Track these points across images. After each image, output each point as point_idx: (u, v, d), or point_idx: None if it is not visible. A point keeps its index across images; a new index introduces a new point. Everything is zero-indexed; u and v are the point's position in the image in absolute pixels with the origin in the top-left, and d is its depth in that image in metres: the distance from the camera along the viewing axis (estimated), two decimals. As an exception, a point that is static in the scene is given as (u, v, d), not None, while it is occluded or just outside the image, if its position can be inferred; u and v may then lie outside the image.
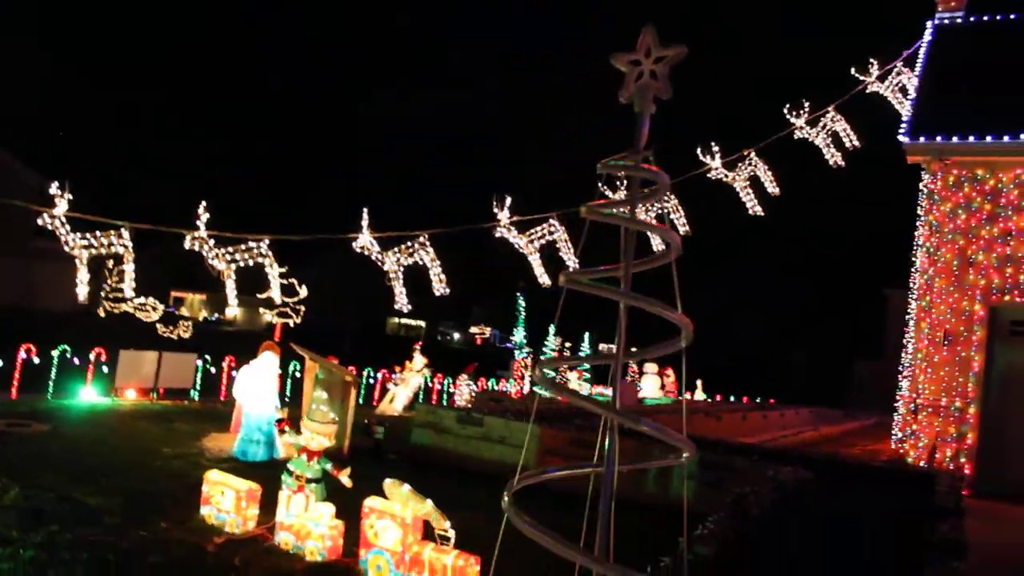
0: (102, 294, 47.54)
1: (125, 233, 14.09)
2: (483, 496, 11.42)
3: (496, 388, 30.59)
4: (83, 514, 9.23)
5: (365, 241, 15.59)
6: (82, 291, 14.01)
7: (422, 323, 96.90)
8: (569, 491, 7.74)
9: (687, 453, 4.34)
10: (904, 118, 19.91)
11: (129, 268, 14.43)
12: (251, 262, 15.15)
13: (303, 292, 52.63)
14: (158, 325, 45.54)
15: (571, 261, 17.67)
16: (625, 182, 15.72)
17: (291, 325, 59.71)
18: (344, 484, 9.12)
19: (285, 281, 48.54)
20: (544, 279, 17.24)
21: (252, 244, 15.07)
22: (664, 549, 10.56)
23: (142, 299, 45.81)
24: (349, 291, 58.62)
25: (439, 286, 16.29)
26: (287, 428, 9.65)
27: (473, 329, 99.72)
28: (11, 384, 16.69)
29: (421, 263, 16.20)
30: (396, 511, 8.38)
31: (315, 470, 9.26)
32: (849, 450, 20.03)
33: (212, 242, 14.73)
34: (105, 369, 18.42)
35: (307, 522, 8.83)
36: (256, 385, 13.25)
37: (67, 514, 9.13)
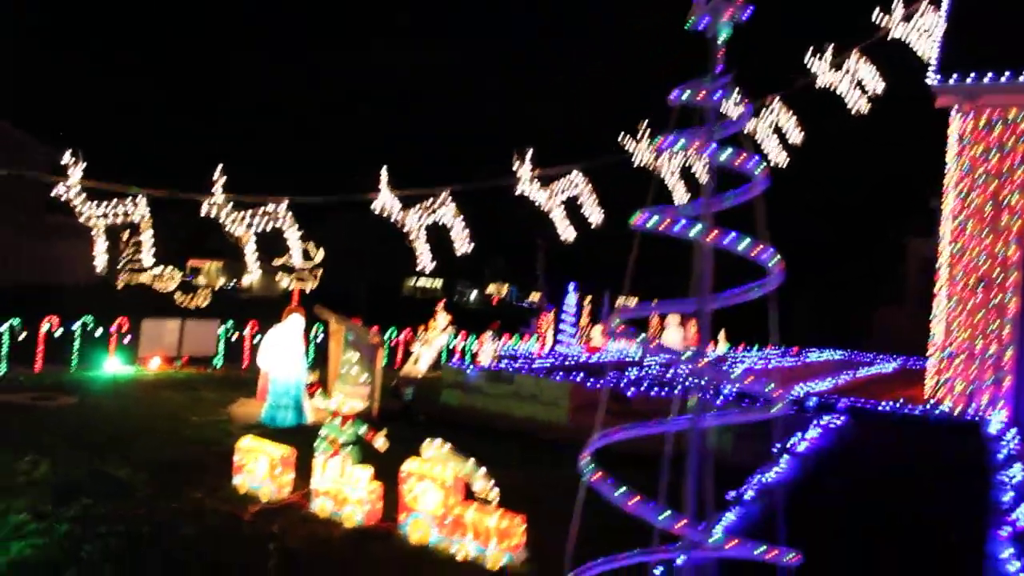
0: (119, 266, 47.57)
1: (141, 201, 13.80)
2: (518, 454, 11.25)
3: (518, 346, 30.35)
4: (115, 487, 9.06)
5: (385, 200, 15.24)
6: (100, 262, 13.78)
7: (438, 283, 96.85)
8: (628, 451, 7.51)
9: (778, 407, 4.03)
10: (931, 60, 19.30)
11: (146, 237, 14.18)
12: (270, 226, 14.85)
13: (319, 256, 52.60)
14: (176, 294, 45.59)
15: (595, 216, 17.29)
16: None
17: (307, 290, 59.86)
18: (379, 447, 8.89)
19: (301, 245, 48.11)
20: (568, 235, 16.87)
21: (270, 207, 14.76)
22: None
23: (159, 269, 45.90)
24: (364, 253, 58.50)
25: (462, 244, 15.95)
26: (318, 392, 9.42)
27: (489, 288, 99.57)
28: (35, 357, 16.54)
29: (442, 222, 15.86)
30: (436, 473, 8.15)
31: (349, 434, 9.03)
32: (882, 397, 19.68)
33: (229, 207, 14.42)
34: (128, 339, 18.27)
35: (344, 487, 8.61)
36: (282, 350, 13.02)
37: (99, 487, 8.96)
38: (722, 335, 40.44)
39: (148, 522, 8.05)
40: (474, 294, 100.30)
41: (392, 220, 15.36)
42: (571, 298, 33.60)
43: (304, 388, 13.05)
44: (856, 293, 55.74)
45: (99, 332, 17.81)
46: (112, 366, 17.53)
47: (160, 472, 9.74)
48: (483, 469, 8.06)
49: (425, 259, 15.63)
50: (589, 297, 35.75)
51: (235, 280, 70.77)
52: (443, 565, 7.75)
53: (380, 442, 8.88)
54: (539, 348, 30.21)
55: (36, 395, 13.73)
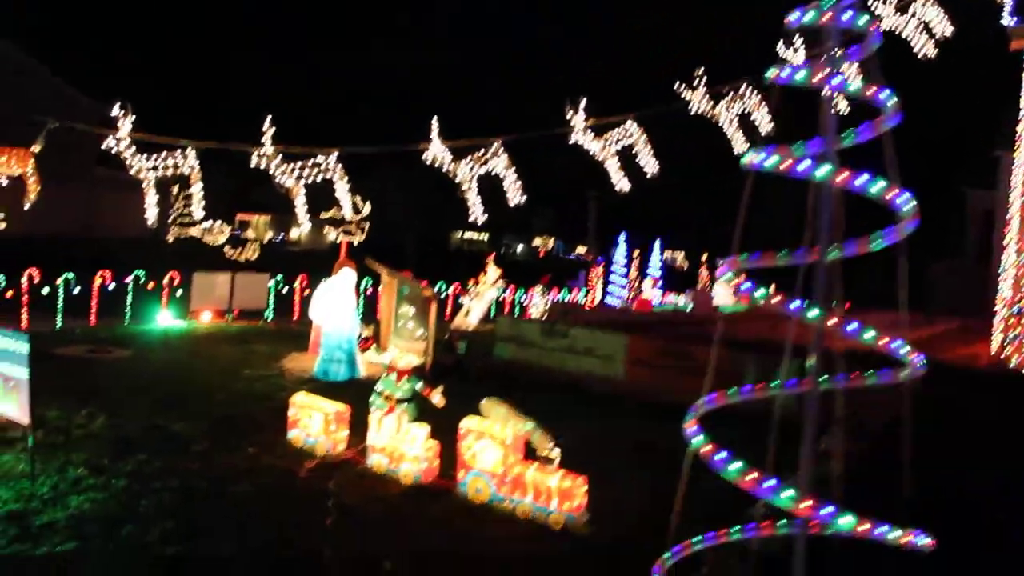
0: (169, 219, 48.06)
1: (191, 153, 13.65)
2: (573, 409, 10.96)
3: (568, 300, 30.06)
4: (170, 441, 8.99)
5: (436, 151, 14.92)
6: (151, 215, 13.71)
7: (485, 237, 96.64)
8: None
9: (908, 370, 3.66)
10: (1004, 1, 18.35)
11: (196, 189, 14.05)
12: (319, 178, 14.63)
13: (366, 209, 52.65)
14: (225, 247, 46.00)
15: (650, 166, 16.80)
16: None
17: (355, 243, 60.19)
18: (436, 404, 8.69)
19: (350, 198, 47.93)
20: (623, 185, 16.43)
21: (320, 159, 14.52)
22: (779, 465, 9.98)
23: (209, 222, 46.35)
24: (411, 206, 58.38)
25: (515, 195, 15.61)
26: (373, 346, 9.23)
27: (536, 241, 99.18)
28: (89, 311, 16.60)
29: (494, 172, 15.51)
30: (496, 431, 7.93)
31: (405, 390, 8.84)
32: (945, 355, 19.08)
33: (279, 159, 14.22)
34: (179, 293, 18.28)
35: (401, 444, 8.44)
36: (334, 304, 12.85)
37: (155, 442, 8.90)
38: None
39: (204, 477, 7.97)
40: (520, 247, 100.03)
41: (444, 171, 15.04)
42: (621, 250, 33.19)
43: (356, 342, 12.89)
44: (911, 247, 54.37)
45: (151, 286, 17.84)
46: (164, 319, 17.57)
47: (215, 426, 9.66)
48: (544, 428, 7.82)
49: (477, 210, 15.31)
50: (637, 251, 35.27)
51: (283, 234, 71.26)
52: (503, 523, 7.56)
53: (437, 398, 8.67)
54: (589, 302, 29.90)
55: (91, 348, 13.78)
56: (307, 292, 20.63)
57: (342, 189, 14.88)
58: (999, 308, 19.22)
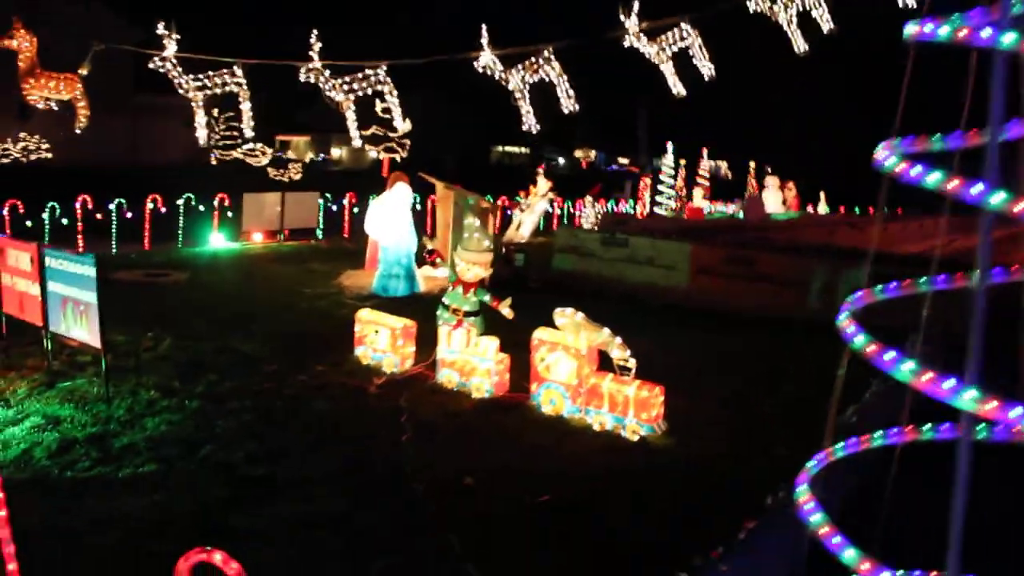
0: (212, 142, 47.89)
1: (238, 71, 13.36)
2: (638, 321, 10.74)
3: (615, 210, 29.62)
4: (239, 361, 8.94)
5: (487, 59, 14.45)
6: (202, 135, 13.52)
7: (525, 150, 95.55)
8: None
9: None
10: None
11: (246, 107, 13.79)
12: (369, 90, 14.28)
13: (407, 126, 51.91)
14: (268, 169, 45.83)
15: (706, 69, 16.17)
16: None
17: (398, 160, 59.57)
18: (505, 315, 8.50)
19: (391, 115, 47.32)
20: (679, 89, 15.85)
21: (368, 72, 14.15)
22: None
23: (251, 144, 46.09)
24: (452, 120, 57.67)
25: (568, 103, 15.14)
26: (439, 260, 9.03)
27: (578, 153, 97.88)
28: (142, 235, 16.60)
29: (547, 79, 15.03)
30: (569, 342, 7.74)
31: (472, 303, 8.66)
32: (1016, 256, 18.44)
33: (327, 72, 13.87)
34: (230, 214, 18.20)
35: (471, 358, 8.29)
36: (391, 219, 12.63)
37: (224, 363, 8.86)
38: (822, 197, 38.86)
39: (278, 396, 7.91)
40: (562, 160, 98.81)
41: (496, 79, 14.59)
42: (668, 160, 32.50)
43: (415, 257, 12.74)
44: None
45: (200, 209, 17.78)
46: (217, 241, 17.53)
47: (281, 346, 9.60)
48: (619, 338, 7.61)
49: (530, 120, 14.89)
50: (684, 160, 34.52)
51: (323, 154, 71.04)
52: (580, 436, 7.42)
53: (506, 310, 8.48)
54: (639, 212, 29.43)
55: (148, 272, 13.77)
56: (356, 210, 20.51)
57: (393, 102, 14.51)
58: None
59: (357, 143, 15.42)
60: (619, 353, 7.55)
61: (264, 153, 46.31)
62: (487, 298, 8.60)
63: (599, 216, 23.40)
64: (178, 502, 5.75)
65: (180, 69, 13.00)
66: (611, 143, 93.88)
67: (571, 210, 26.67)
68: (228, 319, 10.77)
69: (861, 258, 12.26)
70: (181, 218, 17.19)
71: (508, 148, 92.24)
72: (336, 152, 71.80)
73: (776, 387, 9.19)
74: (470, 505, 6.01)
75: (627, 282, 13.61)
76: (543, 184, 22.26)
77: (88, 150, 33.22)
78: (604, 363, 7.90)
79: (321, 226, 19.89)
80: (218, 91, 13.45)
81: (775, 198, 34.39)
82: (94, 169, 31.87)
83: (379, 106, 49.12)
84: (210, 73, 13.26)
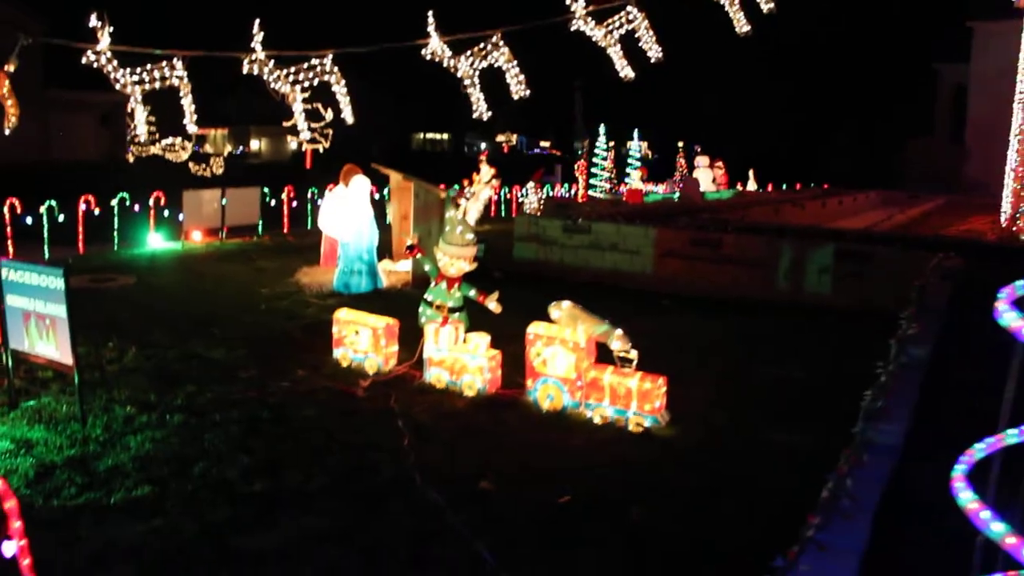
0: (128, 139, 46.20)
1: (178, 63, 12.71)
2: (609, 310, 10.60)
3: (552, 195, 29.49)
4: (213, 370, 8.48)
5: (435, 46, 14.06)
6: (142, 131, 12.89)
7: (445, 136, 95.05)
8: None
9: None
10: None
11: (187, 102, 13.14)
12: (316, 81, 13.76)
13: (328, 116, 50.94)
14: (189, 164, 44.47)
15: (653, 52, 16.00)
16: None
17: (320, 150, 58.45)
18: (492, 310, 8.24)
19: (310, 106, 46.52)
20: (628, 72, 15.67)
21: (315, 61, 13.63)
22: (831, 356, 9.70)
23: (169, 139, 44.64)
24: (375, 109, 56.82)
25: (518, 88, 14.85)
26: (420, 255, 8.72)
27: (499, 138, 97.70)
28: (76, 239, 15.77)
29: (496, 65, 14.70)
30: (567, 336, 7.54)
31: (457, 298, 8.39)
32: (950, 231, 18.92)
33: (272, 64, 13.31)
34: (166, 213, 17.45)
35: (461, 355, 8.02)
36: (351, 213, 12.19)
37: (197, 371, 8.39)
38: (751, 175, 39.49)
39: (263, 405, 7.52)
40: (483, 144, 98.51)
41: (444, 67, 14.20)
42: (601, 142, 32.52)
43: (375, 252, 12.34)
44: (885, 126, 53.96)
45: (135, 209, 16.98)
46: (155, 241, 16.80)
47: (254, 351, 9.16)
48: (620, 329, 7.44)
49: (481, 107, 14.55)
50: (612, 143, 34.58)
51: (242, 147, 69.34)
52: (582, 430, 7.26)
53: (493, 304, 8.21)
54: (580, 195, 29.36)
55: (92, 277, 13.06)
56: (294, 204, 19.93)
57: (340, 91, 14.02)
58: (1007, 180, 18.97)
59: (306, 136, 14.92)
60: (620, 345, 7.38)
61: (184, 148, 44.95)
62: (472, 293, 8.33)
63: (541, 201, 23.21)
64: (180, 527, 5.38)
65: (116, 63, 12.29)
66: (532, 127, 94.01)
67: (507, 196, 26.46)
68: (188, 324, 10.25)
69: (825, 237, 12.36)
70: (116, 218, 16.37)
71: (429, 135, 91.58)
72: (255, 144, 70.18)
73: (763, 369, 9.17)
74: (489, 510, 5.79)
75: (591, 269, 13.48)
76: (486, 171, 21.91)
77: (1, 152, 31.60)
78: (603, 356, 7.73)
79: (261, 222, 19.23)
80: (156, 85, 12.77)
81: (706, 177, 34.75)
82: (5, 169, 30.39)
83: (344, 89, 48.26)
84: (148, 66, 12.56)
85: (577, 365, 7.48)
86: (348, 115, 14.31)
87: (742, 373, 9.06)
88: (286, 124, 54.62)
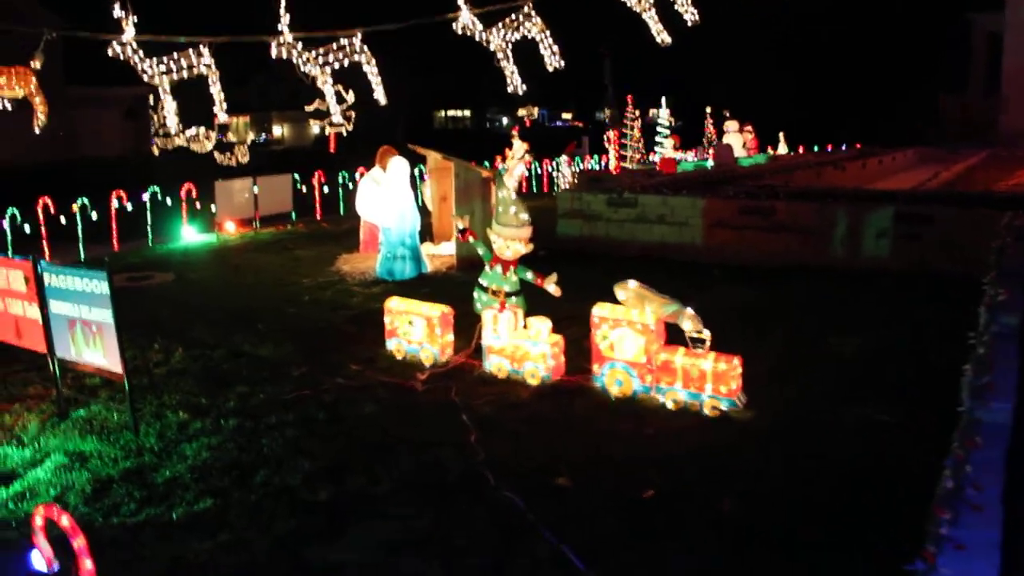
0: (152, 132, 46.15)
1: (204, 50, 12.37)
2: (660, 284, 10.23)
3: (582, 168, 28.94)
4: (263, 368, 8.16)
5: (465, 20, 13.61)
6: (172, 122, 12.55)
7: (467, 112, 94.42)
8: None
9: None
10: None
11: (216, 90, 12.82)
12: (346, 62, 13.38)
13: (351, 98, 50.61)
14: (215, 153, 44.32)
15: (689, 14, 15.43)
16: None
17: (344, 134, 58.30)
18: (552, 293, 7.86)
19: (333, 89, 45.93)
20: (664, 37, 15.11)
21: (344, 41, 13.24)
22: (884, 320, 9.30)
23: (193, 130, 44.53)
24: (397, 88, 56.37)
25: (552, 59, 14.36)
26: (472, 238, 8.35)
27: (521, 111, 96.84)
28: (110, 236, 15.54)
29: (529, 36, 14.22)
30: (635, 317, 7.14)
31: (513, 282, 8.01)
32: (1000, 186, 18.24)
33: (300, 46, 12.94)
34: (198, 205, 17.18)
35: (523, 342, 7.64)
36: (391, 197, 11.79)
37: (246, 371, 8.09)
38: (781, 138, 38.65)
39: (319, 404, 7.20)
40: (505, 119, 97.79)
41: (476, 40, 13.75)
42: (630, 111, 31.84)
43: (418, 236, 11.97)
44: (917, 81, 52.59)
45: (168, 203, 16.72)
46: (189, 235, 16.55)
47: (300, 345, 8.85)
48: (691, 308, 7.02)
49: (515, 81, 14.09)
50: (638, 112, 33.88)
51: (264, 133, 69.18)
52: (656, 416, 6.88)
53: (552, 287, 7.84)
54: (615, 167, 28.80)
55: (130, 276, 12.81)
56: (326, 189, 19.60)
57: (372, 71, 13.62)
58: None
59: (337, 119, 14.51)
60: (691, 325, 6.97)
61: (208, 138, 44.84)
62: (529, 276, 7.95)
63: (575, 175, 22.71)
64: (248, 541, 5.08)
65: (142, 53, 11.97)
66: (553, 99, 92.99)
67: (538, 171, 25.97)
68: (231, 320, 9.95)
69: (882, 200, 11.85)
70: (148, 213, 16.12)
71: (451, 112, 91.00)
72: (277, 130, 70.00)
73: (829, 342, 8.74)
74: (568, 506, 5.44)
75: (638, 242, 13.04)
76: (519, 146, 21.52)
77: (21, 148, 31.47)
78: (671, 336, 7.33)
79: (294, 210, 18.93)
80: (184, 75, 12.44)
81: (737, 142, 34.02)
82: (33, 168, 30.37)
83: (320, 79, 47.84)
84: (175, 55, 12.24)
85: (647, 348, 7.09)
86: (380, 95, 13.92)
87: (806, 345, 8.62)
88: (308, 108, 54.62)
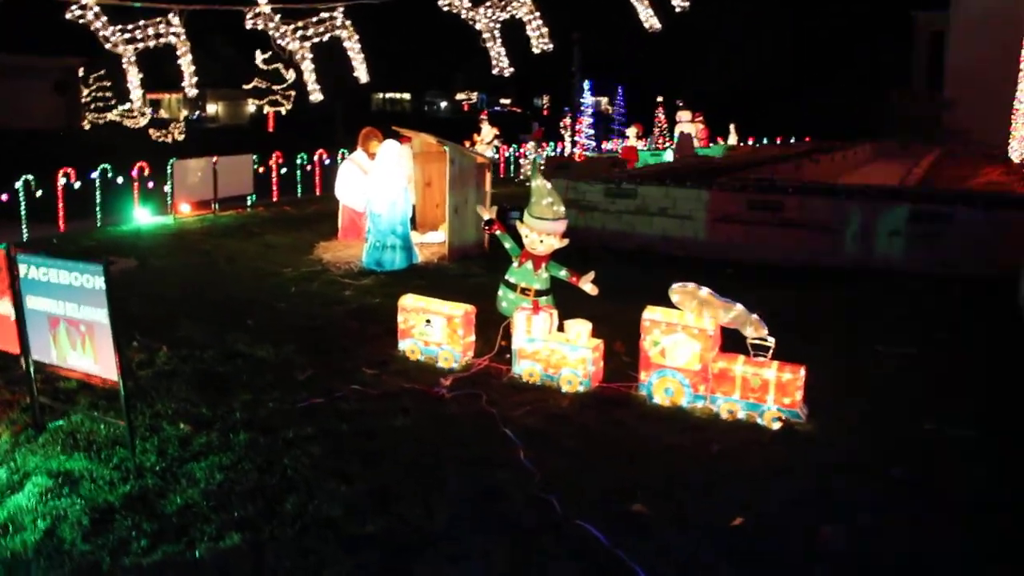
0: (87, 104, 43.90)
1: (174, 19, 11.33)
2: (659, 277, 9.68)
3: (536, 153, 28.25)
4: (264, 371, 7.29)
5: (452, -4, 12.81)
6: (136, 95, 11.50)
7: (406, 96, 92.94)
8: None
9: None
10: None
11: (185, 61, 11.79)
12: (326, 36, 12.46)
13: (290, 77, 49.05)
14: (150, 131, 42.36)
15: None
16: None
17: (283, 112, 56.26)
18: (588, 292, 7.20)
19: (268, 67, 44.86)
20: (654, 22, 14.51)
21: (324, 15, 12.31)
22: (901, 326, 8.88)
23: (127, 104, 42.46)
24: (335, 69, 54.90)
25: (539, 42, 13.66)
26: (500, 231, 7.61)
27: (459, 96, 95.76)
28: (56, 216, 14.29)
29: (516, 17, 13.50)
30: (690, 322, 6.50)
31: (544, 280, 7.31)
32: (974, 183, 18.10)
33: (278, 19, 11.97)
34: (150, 185, 15.98)
35: (560, 346, 6.94)
36: (381, 182, 10.91)
37: (246, 374, 7.21)
38: (732, 129, 38.53)
39: (338, 415, 6.39)
40: (444, 104, 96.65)
41: (462, 18, 12.97)
42: (588, 99, 31.35)
43: (409, 223, 11.14)
44: (861, 77, 53.16)
45: (119, 181, 15.47)
46: (142, 216, 15.37)
47: (302, 345, 7.97)
48: (755, 314, 6.41)
49: (502, 62, 13.35)
50: (605, 99, 33.41)
51: (198, 111, 66.85)
52: (714, 429, 6.28)
53: (588, 286, 7.18)
54: (579, 154, 28.18)
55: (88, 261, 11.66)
56: (284, 170, 18.55)
57: (353, 48, 12.72)
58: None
59: (317, 98, 13.55)
60: (754, 331, 6.36)
61: (143, 114, 42.84)
62: (563, 273, 7.26)
63: (540, 163, 22.01)
64: (296, 590, 4.29)
65: (105, 19, 10.90)
66: (491, 85, 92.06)
67: (497, 156, 25.19)
68: (215, 315, 9.01)
69: (894, 197, 11.44)
70: (98, 192, 14.89)
71: (389, 95, 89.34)
72: (212, 108, 67.72)
73: (870, 346, 8.25)
74: (655, 538, 4.80)
75: (638, 236, 12.43)
76: (488, 131, 20.72)
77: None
78: (726, 343, 6.71)
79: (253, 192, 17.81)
80: (151, 44, 11.39)
81: (690, 130, 33.68)
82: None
83: (259, 57, 46.12)
84: (141, 23, 11.18)
85: (703, 355, 6.46)
86: (363, 73, 13.03)
87: (852, 352, 8.12)
88: (246, 87, 52.66)
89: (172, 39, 11.45)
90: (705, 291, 6.44)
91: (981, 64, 37.55)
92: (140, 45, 11.33)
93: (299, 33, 12.22)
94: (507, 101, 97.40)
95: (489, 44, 13.33)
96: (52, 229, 14.02)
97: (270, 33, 12.01)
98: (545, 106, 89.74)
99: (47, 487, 5.29)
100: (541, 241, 7.19)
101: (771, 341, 6.35)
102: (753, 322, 6.35)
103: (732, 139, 38.64)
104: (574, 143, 30.69)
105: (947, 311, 9.57)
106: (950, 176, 19.70)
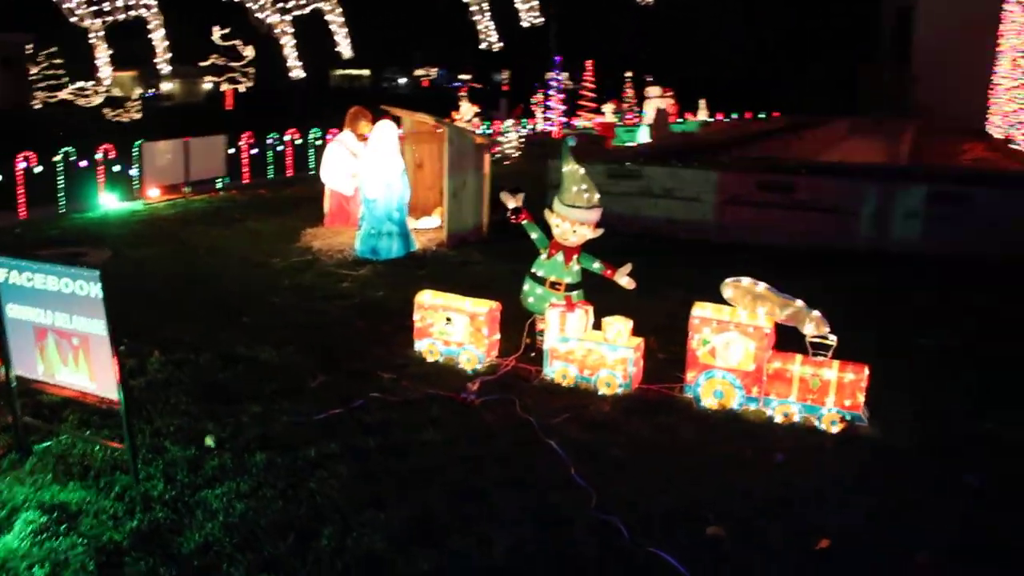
0: (36, 83, 42.15)
1: (145, -12, 10.49)
2: (677, 268, 9.24)
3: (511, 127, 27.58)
4: (270, 377, 6.62)
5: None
6: (105, 73, 10.67)
7: (365, 72, 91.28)
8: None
9: None
10: None
11: (158, 36, 10.96)
12: (308, 9, 11.68)
13: (249, 53, 47.54)
14: (104, 110, 40.83)
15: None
16: None
17: (241, 90, 54.77)
18: (624, 286, 6.65)
19: (225, 43, 43.48)
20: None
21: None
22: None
23: (80, 83, 40.89)
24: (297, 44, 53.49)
25: (529, 16, 13.00)
26: (527, 220, 7.02)
27: (418, 71, 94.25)
28: (15, 202, 13.36)
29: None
30: (743, 319, 5.97)
31: (575, 273, 6.75)
32: (963, 159, 17.87)
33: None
34: (116, 168, 15.09)
35: (597, 345, 6.37)
36: (377, 165, 10.18)
37: (250, 382, 6.54)
38: (702, 104, 38.09)
39: (362, 428, 5.76)
40: (403, 80, 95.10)
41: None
42: (560, 75, 30.58)
43: (407, 209, 10.45)
44: (830, 52, 52.97)
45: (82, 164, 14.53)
46: (109, 201, 14.49)
47: (308, 346, 7.30)
48: (817, 311, 5.91)
49: (492, 36, 12.66)
50: (566, 74, 32.66)
51: (153, 89, 64.95)
52: (772, 435, 5.81)
53: (625, 280, 6.63)
54: (556, 130, 27.55)
55: (59, 252, 10.85)
56: (255, 151, 17.72)
57: (337, 22, 11.95)
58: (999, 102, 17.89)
59: (299, 74, 12.74)
60: (815, 329, 5.86)
61: (96, 93, 41.24)
62: (596, 266, 6.71)
63: (522, 139, 21.39)
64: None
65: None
66: (451, 60, 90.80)
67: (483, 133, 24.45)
68: (206, 313, 8.30)
69: (910, 177, 11.02)
70: (61, 177, 13.97)
71: (348, 71, 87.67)
72: (166, 86, 65.87)
73: (904, 337, 7.83)
74: (738, 566, 4.30)
75: (642, 218, 11.89)
76: (467, 108, 19.99)
77: None
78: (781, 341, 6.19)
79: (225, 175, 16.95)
80: (120, 18, 10.54)
81: (660, 105, 33.17)
82: None
83: (217, 33, 44.71)
84: (110, -7, 10.34)
85: (757, 355, 5.94)
86: (346, 48, 12.28)
87: (896, 346, 7.65)
88: (203, 64, 51.16)
89: (144, 12, 10.62)
90: (762, 286, 5.92)
91: (949, 40, 37.57)
92: (108, 19, 10.46)
93: (279, 6, 11.43)
94: (467, 77, 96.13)
95: (477, 18, 12.60)
96: (11, 217, 13.13)
97: (247, 5, 11.20)
98: (504, 81, 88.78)
99: (41, 524, 4.61)
100: (574, 231, 6.61)
101: (833, 339, 5.85)
102: (814, 319, 5.85)
103: (703, 114, 38.21)
104: (546, 120, 29.98)
105: (974, 296, 9.21)
106: (935, 152, 19.47)
